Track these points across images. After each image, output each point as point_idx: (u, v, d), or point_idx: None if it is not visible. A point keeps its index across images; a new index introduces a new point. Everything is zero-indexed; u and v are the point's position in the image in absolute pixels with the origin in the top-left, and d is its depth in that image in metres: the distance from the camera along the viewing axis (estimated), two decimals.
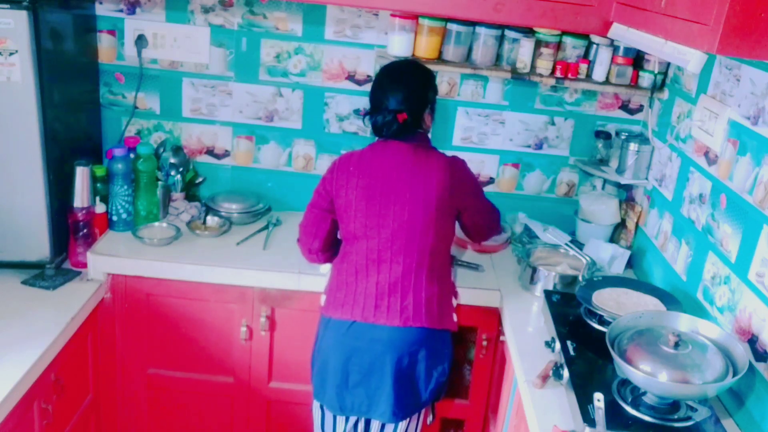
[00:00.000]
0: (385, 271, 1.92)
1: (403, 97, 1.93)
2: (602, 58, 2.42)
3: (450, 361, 2.01)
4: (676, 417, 1.59)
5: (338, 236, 2.06)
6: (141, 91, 2.59)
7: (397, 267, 1.92)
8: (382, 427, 2.00)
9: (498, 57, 2.48)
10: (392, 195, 1.91)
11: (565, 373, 1.75)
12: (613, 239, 2.62)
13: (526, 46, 2.40)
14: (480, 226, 2.10)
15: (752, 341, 1.68)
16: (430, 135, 2.06)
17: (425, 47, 2.40)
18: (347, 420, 2.02)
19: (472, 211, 2.01)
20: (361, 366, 1.93)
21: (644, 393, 1.63)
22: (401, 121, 1.91)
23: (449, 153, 2.03)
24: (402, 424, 1.99)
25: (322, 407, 2.04)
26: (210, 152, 2.69)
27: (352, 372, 1.94)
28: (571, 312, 2.04)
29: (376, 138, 1.99)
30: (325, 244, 2.07)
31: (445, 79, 2.57)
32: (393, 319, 1.90)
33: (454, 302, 2.06)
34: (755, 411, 1.64)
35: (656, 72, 2.41)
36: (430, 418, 2.11)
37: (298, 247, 2.13)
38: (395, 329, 1.90)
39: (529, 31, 2.40)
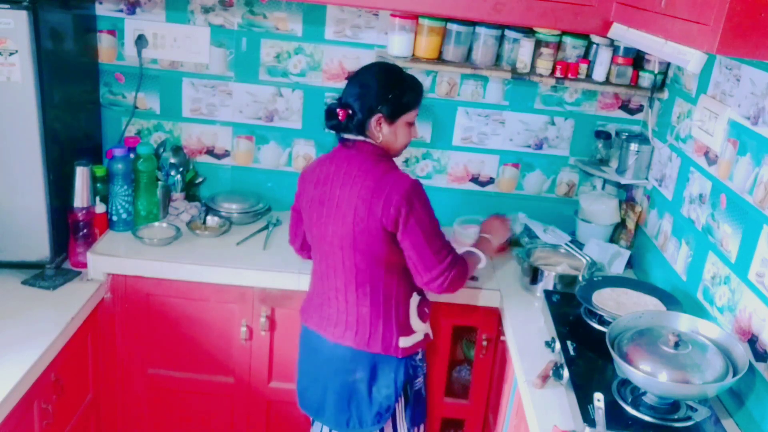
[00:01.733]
0: (328, 283, 1.91)
1: (354, 94, 1.81)
2: (602, 58, 2.42)
3: (399, 389, 1.91)
4: (676, 417, 1.59)
5: None
6: (141, 91, 2.59)
7: (333, 282, 1.89)
8: None
9: (498, 57, 2.48)
10: (326, 209, 1.85)
11: (565, 373, 1.75)
12: (613, 239, 2.62)
13: (526, 46, 2.40)
14: (416, 268, 1.80)
15: (752, 341, 1.68)
16: (395, 148, 1.87)
17: (425, 47, 2.40)
18: None
19: (405, 238, 1.77)
20: (308, 372, 2.00)
21: (644, 393, 1.63)
22: (341, 117, 1.80)
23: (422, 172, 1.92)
24: None
25: None
26: (210, 152, 2.69)
27: (304, 375, 2.02)
28: (571, 312, 2.04)
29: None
30: (305, 243, 2.05)
31: (445, 79, 2.57)
32: (329, 334, 1.93)
33: (418, 325, 1.93)
34: (755, 411, 1.64)
35: (656, 72, 2.41)
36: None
37: None
38: (332, 345, 1.92)
39: (529, 31, 2.40)
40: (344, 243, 1.82)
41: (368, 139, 1.84)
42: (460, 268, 1.85)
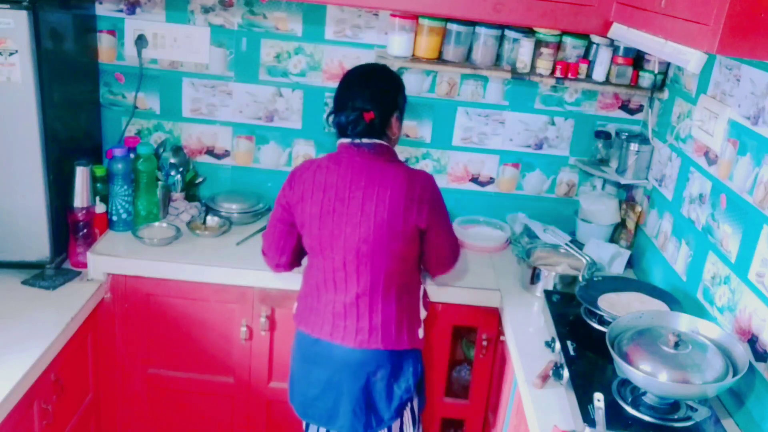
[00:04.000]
0: (341, 291, 1.88)
1: (371, 96, 1.83)
2: (602, 58, 2.42)
3: (417, 377, 1.96)
4: (676, 417, 1.59)
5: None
6: (141, 91, 2.59)
7: (351, 289, 1.86)
8: None
9: (498, 57, 2.48)
10: (344, 215, 1.82)
11: (565, 373, 1.75)
12: (613, 239, 2.62)
13: (526, 46, 2.40)
14: (440, 254, 1.96)
15: (752, 341, 1.68)
16: (396, 145, 1.97)
17: (425, 47, 2.40)
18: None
19: (434, 232, 1.88)
20: (318, 381, 1.95)
21: (644, 393, 1.63)
22: (368, 120, 1.81)
23: (419, 167, 1.97)
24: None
25: None
26: (210, 152, 2.69)
27: (312, 384, 1.96)
28: (571, 312, 2.04)
29: (338, 142, 1.90)
30: (293, 257, 2.02)
31: (445, 79, 2.57)
32: (349, 341, 1.88)
33: (423, 314, 2.00)
34: (755, 411, 1.64)
35: (656, 72, 2.41)
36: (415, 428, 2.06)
37: (263, 259, 2.07)
38: (351, 351, 1.88)
39: (529, 31, 2.40)
40: (376, 248, 1.81)
41: (383, 141, 1.87)
42: (458, 259, 2.04)
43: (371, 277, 1.85)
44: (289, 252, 1.99)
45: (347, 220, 1.82)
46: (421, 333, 1.97)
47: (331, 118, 1.88)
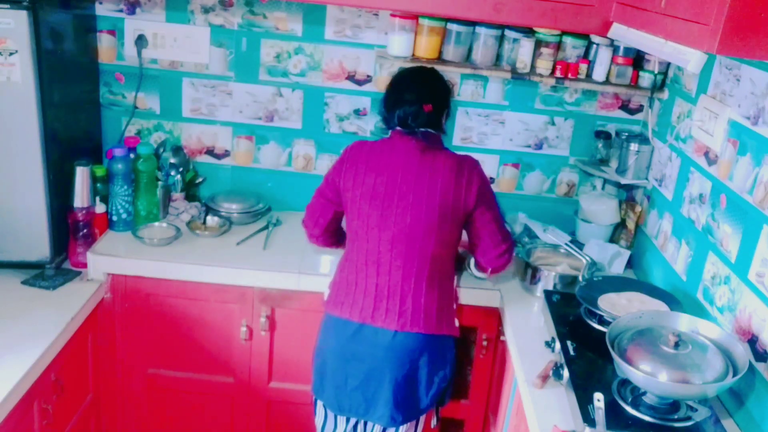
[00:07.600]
0: (385, 273, 1.91)
1: (428, 91, 1.94)
2: (602, 58, 2.42)
3: (452, 366, 2.00)
4: (676, 417, 1.59)
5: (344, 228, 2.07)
6: (141, 91, 2.59)
7: (396, 271, 1.90)
8: (383, 430, 1.99)
9: (498, 57, 2.48)
10: (395, 197, 1.89)
11: (565, 373, 1.75)
12: (613, 239, 2.62)
13: (526, 46, 2.40)
14: (494, 237, 1.96)
15: (752, 341, 1.68)
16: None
17: (425, 47, 2.40)
18: (348, 420, 2.02)
19: (483, 213, 1.93)
20: (359, 371, 1.93)
21: (644, 393, 1.63)
22: (426, 111, 1.90)
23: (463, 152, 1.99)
24: (402, 428, 1.99)
25: (324, 405, 2.04)
26: (210, 152, 2.69)
27: (351, 376, 1.94)
28: (571, 312, 2.04)
29: (389, 132, 1.98)
30: (326, 232, 2.09)
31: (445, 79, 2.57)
32: (390, 323, 1.90)
33: (455, 305, 2.04)
34: (755, 411, 1.64)
35: (656, 72, 2.41)
36: (434, 422, 2.11)
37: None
38: (396, 335, 1.89)
39: (529, 31, 2.40)
40: (426, 231, 1.87)
41: (438, 131, 1.98)
42: (514, 248, 2.05)
43: (418, 260, 1.89)
44: (322, 225, 2.07)
45: (398, 202, 1.88)
46: (457, 322, 2.01)
47: (380, 117, 2.02)
